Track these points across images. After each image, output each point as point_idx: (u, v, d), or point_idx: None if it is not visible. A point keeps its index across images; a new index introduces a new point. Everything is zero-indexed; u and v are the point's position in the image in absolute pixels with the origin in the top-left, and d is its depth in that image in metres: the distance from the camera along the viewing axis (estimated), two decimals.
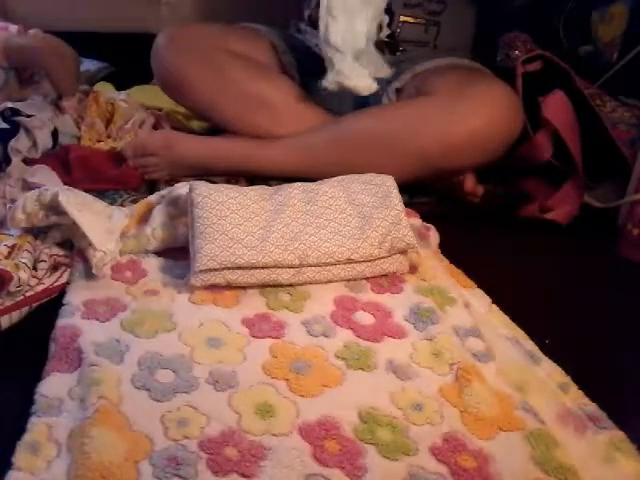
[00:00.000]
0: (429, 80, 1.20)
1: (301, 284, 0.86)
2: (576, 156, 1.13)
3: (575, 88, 1.19)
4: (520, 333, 0.82)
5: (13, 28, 1.38)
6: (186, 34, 1.27)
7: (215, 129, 1.31)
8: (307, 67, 1.31)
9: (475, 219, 1.16)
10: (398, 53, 1.30)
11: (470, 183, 1.18)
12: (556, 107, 1.13)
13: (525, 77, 1.18)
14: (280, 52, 1.31)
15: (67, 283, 0.84)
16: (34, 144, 1.17)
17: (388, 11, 1.26)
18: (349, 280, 0.88)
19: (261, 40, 1.32)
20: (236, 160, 1.19)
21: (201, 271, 0.81)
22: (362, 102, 1.31)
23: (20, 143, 1.14)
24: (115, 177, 1.15)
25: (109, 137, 1.28)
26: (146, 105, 1.38)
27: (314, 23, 1.31)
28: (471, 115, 1.09)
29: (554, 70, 1.20)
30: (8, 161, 1.11)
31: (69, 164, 1.14)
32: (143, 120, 1.32)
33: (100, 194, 1.05)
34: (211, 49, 1.24)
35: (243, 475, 0.59)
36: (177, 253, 0.90)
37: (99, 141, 1.26)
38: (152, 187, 1.16)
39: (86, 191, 0.94)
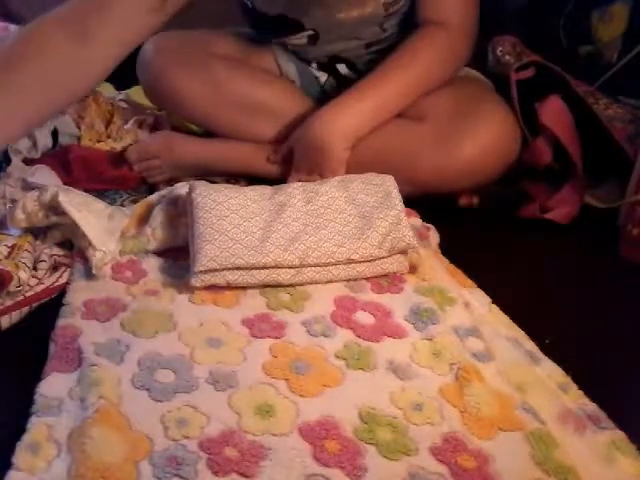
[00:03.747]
0: (424, 98, 1.13)
1: (301, 284, 0.86)
2: (576, 159, 1.13)
3: (570, 90, 1.18)
4: (520, 333, 0.81)
5: (13, 28, 1.38)
6: (175, 42, 1.23)
7: None
8: (306, 69, 1.30)
9: (475, 219, 1.15)
10: None
11: (465, 200, 1.17)
12: (553, 112, 1.13)
13: (519, 83, 1.17)
14: (277, 55, 1.29)
15: (67, 283, 0.84)
16: (34, 144, 1.17)
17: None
18: (349, 280, 0.88)
19: (257, 44, 1.30)
20: (236, 162, 1.19)
21: (201, 271, 0.81)
22: None
23: (20, 143, 1.14)
24: (115, 177, 1.15)
25: (109, 137, 1.28)
26: (146, 105, 1.38)
27: None
28: (466, 144, 1.06)
29: (548, 74, 1.19)
30: (8, 161, 1.11)
31: (69, 164, 1.14)
32: (143, 120, 1.32)
33: (100, 194, 1.05)
34: (203, 56, 1.21)
35: (243, 475, 0.59)
36: (177, 253, 0.90)
37: (99, 141, 1.26)
38: (152, 187, 1.16)
39: (86, 191, 0.94)
